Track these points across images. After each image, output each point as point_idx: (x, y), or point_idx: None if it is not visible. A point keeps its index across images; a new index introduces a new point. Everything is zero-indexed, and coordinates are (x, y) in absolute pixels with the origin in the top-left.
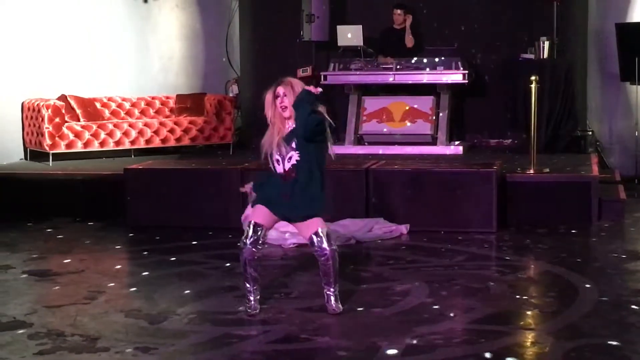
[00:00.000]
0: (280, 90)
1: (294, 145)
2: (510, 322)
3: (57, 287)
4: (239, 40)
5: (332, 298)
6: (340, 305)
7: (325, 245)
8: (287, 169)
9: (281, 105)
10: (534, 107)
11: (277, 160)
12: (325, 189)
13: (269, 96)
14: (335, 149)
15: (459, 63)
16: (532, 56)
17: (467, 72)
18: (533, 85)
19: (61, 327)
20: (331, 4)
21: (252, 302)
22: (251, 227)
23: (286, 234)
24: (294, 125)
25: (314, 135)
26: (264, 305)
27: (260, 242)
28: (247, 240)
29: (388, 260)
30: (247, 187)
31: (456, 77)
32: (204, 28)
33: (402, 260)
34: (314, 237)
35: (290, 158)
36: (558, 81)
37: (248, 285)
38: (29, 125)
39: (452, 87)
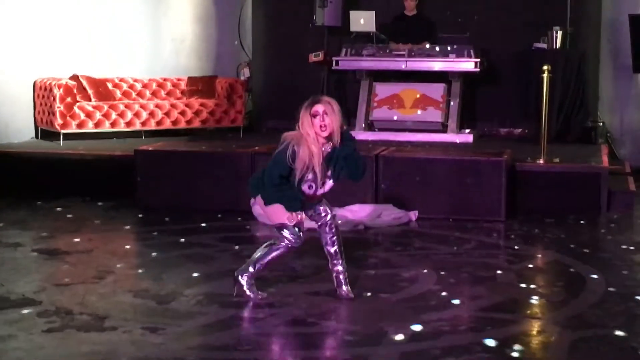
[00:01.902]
0: (320, 108)
1: (329, 173)
2: (517, 310)
3: (66, 266)
4: (252, 24)
5: (343, 280)
6: (347, 289)
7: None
8: (319, 194)
9: (322, 124)
10: (545, 96)
11: (310, 186)
12: None
13: (306, 116)
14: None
15: (471, 51)
16: (544, 46)
17: (479, 60)
18: (545, 75)
19: (70, 306)
20: None
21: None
22: (302, 229)
23: None
24: (330, 148)
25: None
26: (271, 288)
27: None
28: (298, 239)
29: (396, 247)
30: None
31: (468, 65)
32: (217, 10)
33: (410, 247)
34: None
35: (324, 185)
36: (570, 71)
37: (259, 270)
38: (41, 104)
39: (464, 75)
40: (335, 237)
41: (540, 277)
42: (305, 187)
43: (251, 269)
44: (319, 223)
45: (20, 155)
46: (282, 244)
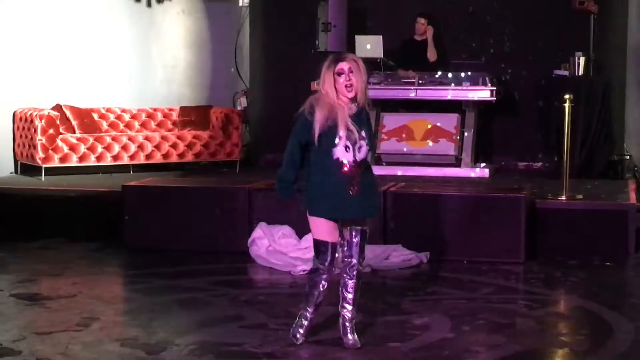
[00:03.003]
0: (345, 66)
1: (364, 133)
2: None
3: (47, 313)
4: (249, 50)
5: (348, 329)
6: (353, 339)
7: (362, 253)
8: (358, 160)
9: (347, 83)
10: (567, 128)
11: (347, 147)
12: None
13: (329, 75)
14: None
15: (487, 78)
16: (566, 73)
17: (495, 88)
18: (567, 105)
19: (51, 356)
20: (349, 12)
21: (304, 332)
22: (330, 247)
23: (296, 260)
24: (356, 108)
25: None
26: (270, 337)
27: (335, 261)
28: (326, 262)
29: (406, 291)
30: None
31: (483, 93)
32: (212, 36)
33: (421, 292)
34: (356, 242)
35: (360, 148)
36: (594, 100)
37: (309, 311)
38: (21, 136)
39: (479, 104)
40: (354, 283)
41: (563, 324)
42: (340, 151)
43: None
44: (343, 261)
45: None
46: (314, 275)
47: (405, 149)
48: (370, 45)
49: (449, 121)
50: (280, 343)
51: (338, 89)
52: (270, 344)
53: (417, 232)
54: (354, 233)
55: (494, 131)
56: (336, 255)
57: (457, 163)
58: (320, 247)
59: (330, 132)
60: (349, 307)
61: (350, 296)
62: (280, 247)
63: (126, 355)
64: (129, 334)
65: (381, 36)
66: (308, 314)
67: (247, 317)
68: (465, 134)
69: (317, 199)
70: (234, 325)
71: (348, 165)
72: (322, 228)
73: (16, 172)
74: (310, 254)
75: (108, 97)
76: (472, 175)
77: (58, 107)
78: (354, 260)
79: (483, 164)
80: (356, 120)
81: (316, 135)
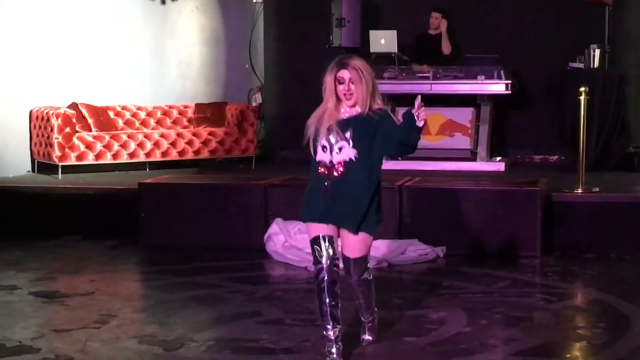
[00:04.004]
0: (346, 75)
1: (348, 135)
2: (556, 354)
3: (65, 310)
4: (264, 46)
5: (366, 327)
6: (369, 337)
7: (362, 275)
8: (335, 163)
9: (346, 92)
10: (582, 120)
11: (324, 147)
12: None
13: (330, 80)
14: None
15: (502, 72)
16: (581, 65)
17: (510, 82)
18: (582, 97)
19: (70, 353)
20: (363, 7)
21: (335, 354)
22: (321, 241)
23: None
24: (356, 112)
25: (398, 152)
26: (288, 332)
27: (337, 257)
28: (323, 257)
29: (423, 286)
30: None
31: (498, 87)
32: (226, 32)
33: (437, 286)
34: (354, 265)
35: (340, 149)
36: (610, 93)
37: (328, 329)
38: (37, 135)
39: (494, 98)
40: (362, 291)
41: (580, 318)
42: (319, 152)
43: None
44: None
45: (15, 190)
46: (317, 279)
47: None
48: (384, 40)
49: (464, 115)
50: (297, 338)
51: (339, 95)
52: (287, 339)
53: (433, 226)
54: (350, 265)
55: (510, 125)
56: (335, 248)
57: (472, 157)
58: (313, 245)
59: (316, 137)
60: (365, 313)
61: (362, 302)
62: (296, 243)
63: (144, 352)
64: (147, 330)
65: (395, 31)
66: (330, 333)
67: (264, 313)
68: (481, 127)
69: (304, 202)
70: (251, 322)
71: (324, 167)
72: (310, 229)
73: (33, 170)
74: None
75: (124, 94)
76: (488, 169)
77: (74, 106)
78: (355, 277)
79: (499, 158)
80: (350, 123)
81: (307, 139)
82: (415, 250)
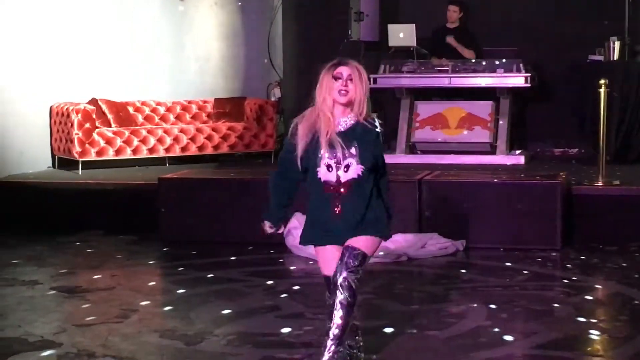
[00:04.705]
0: (345, 71)
1: (353, 150)
2: (576, 348)
3: (87, 305)
4: (282, 40)
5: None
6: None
7: (352, 274)
8: (343, 181)
9: (342, 88)
10: (603, 113)
11: (329, 166)
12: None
13: (327, 78)
14: (386, 158)
15: (521, 65)
16: (601, 58)
17: (529, 75)
18: (602, 90)
19: (92, 348)
20: (382, 1)
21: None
22: (327, 284)
23: None
24: (353, 121)
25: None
26: (308, 326)
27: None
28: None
29: (442, 279)
30: (268, 226)
31: (518, 80)
32: (244, 27)
33: (457, 280)
34: (351, 257)
35: (348, 168)
36: (629, 85)
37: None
38: (57, 131)
39: (513, 91)
40: (343, 295)
41: (601, 311)
42: (322, 172)
43: None
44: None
45: (36, 186)
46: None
47: (439, 138)
48: (403, 34)
49: (483, 108)
50: (317, 332)
51: (332, 94)
52: (308, 333)
53: (453, 220)
54: (346, 253)
55: (529, 118)
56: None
57: (492, 150)
58: (326, 283)
59: (314, 150)
60: (329, 339)
61: (336, 315)
62: None
63: (165, 346)
64: (168, 325)
65: (414, 25)
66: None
67: (284, 307)
68: (500, 121)
69: (307, 225)
70: (271, 316)
71: (330, 186)
72: (321, 258)
73: (53, 166)
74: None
75: (143, 90)
76: (508, 162)
77: (94, 101)
78: (343, 272)
79: (518, 151)
80: (349, 135)
81: (299, 154)
82: (435, 244)
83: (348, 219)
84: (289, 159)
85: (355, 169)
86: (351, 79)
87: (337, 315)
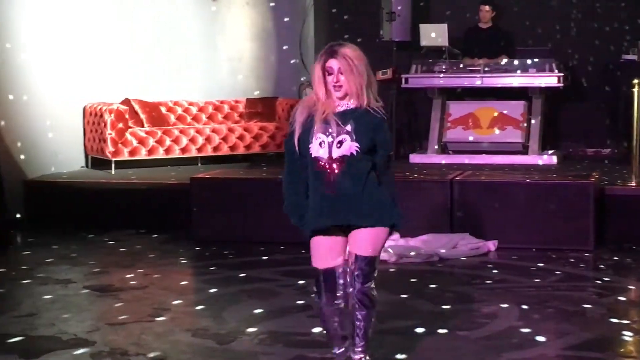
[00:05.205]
0: (335, 65)
1: (349, 127)
2: (609, 349)
3: (120, 304)
4: (314, 40)
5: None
6: None
7: (367, 283)
8: (335, 157)
9: (335, 84)
10: (636, 113)
11: (322, 142)
12: (398, 201)
13: (317, 70)
14: (417, 158)
15: (554, 65)
16: (634, 57)
17: (562, 74)
18: (635, 90)
19: (124, 346)
20: (413, 1)
21: None
22: (320, 276)
23: None
24: (353, 105)
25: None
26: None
27: (340, 289)
28: (322, 297)
29: (474, 280)
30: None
31: (550, 80)
32: (276, 27)
33: (489, 280)
34: (361, 264)
35: (341, 143)
36: None
37: (336, 349)
38: (91, 131)
39: (546, 91)
40: (364, 305)
41: (633, 312)
42: (314, 148)
43: None
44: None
45: (69, 185)
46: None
47: (471, 137)
48: (435, 34)
49: (515, 108)
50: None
51: (327, 87)
52: None
53: (485, 220)
54: (354, 264)
55: (561, 118)
56: (337, 282)
57: (524, 150)
58: (316, 276)
59: (308, 129)
60: (358, 342)
61: (360, 323)
62: None
63: (197, 345)
64: (200, 324)
65: (446, 24)
66: (336, 351)
67: (315, 307)
68: (532, 121)
69: (309, 211)
70: (302, 315)
71: (323, 163)
72: (314, 248)
73: (87, 166)
74: None
75: (175, 90)
76: (540, 162)
77: (127, 102)
78: (357, 284)
79: (550, 151)
80: (347, 114)
81: (296, 136)
82: (466, 244)
83: (342, 197)
84: (291, 144)
85: (349, 146)
86: (342, 72)
87: (361, 331)
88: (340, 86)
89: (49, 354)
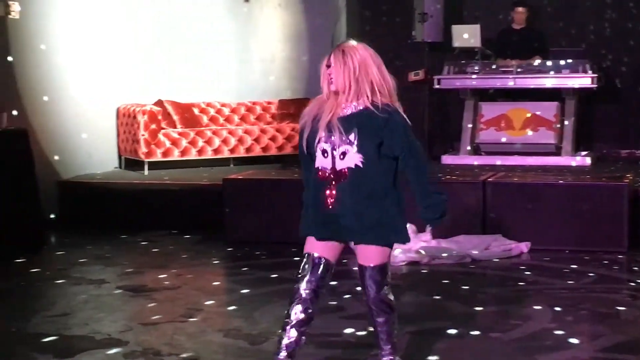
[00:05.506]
0: (331, 58)
1: (352, 137)
2: None
3: (152, 304)
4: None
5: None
6: None
7: (381, 290)
8: (338, 169)
9: (329, 76)
10: None
11: (324, 152)
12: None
13: (323, 66)
14: (450, 159)
15: (587, 66)
16: None
17: (596, 75)
18: None
19: (157, 346)
20: (445, 1)
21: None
22: (308, 264)
23: (394, 250)
24: (359, 108)
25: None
26: (370, 327)
27: (320, 283)
28: (301, 285)
29: (507, 281)
30: None
31: (584, 81)
32: (309, 28)
33: (522, 282)
34: (370, 274)
35: (344, 155)
36: None
37: (284, 334)
38: (124, 132)
39: (579, 92)
40: (382, 311)
41: None
42: (318, 157)
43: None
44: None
45: (103, 186)
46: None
47: (504, 139)
48: (467, 35)
49: (548, 109)
50: None
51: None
52: (371, 334)
53: (517, 221)
54: (364, 276)
55: (595, 119)
56: (320, 275)
57: (557, 152)
58: (302, 260)
59: (314, 134)
60: (384, 346)
61: (382, 329)
62: None
63: (229, 345)
64: (232, 324)
65: (479, 25)
66: (284, 335)
67: (347, 308)
68: (566, 122)
69: (304, 213)
70: (334, 316)
71: (325, 174)
72: (308, 242)
73: (120, 167)
74: (409, 244)
75: (208, 91)
76: (573, 163)
77: (159, 103)
78: (371, 292)
79: (584, 152)
80: (352, 120)
81: (304, 140)
82: (499, 245)
83: (344, 212)
84: (300, 148)
85: (353, 158)
86: (333, 65)
87: (384, 336)
88: (332, 79)
89: (83, 353)
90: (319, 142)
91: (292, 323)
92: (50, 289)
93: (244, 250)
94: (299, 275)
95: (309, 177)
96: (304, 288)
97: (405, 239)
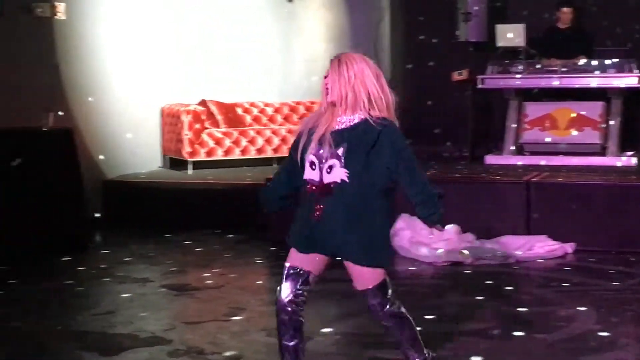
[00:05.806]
0: (329, 70)
1: (340, 152)
2: None
3: (196, 303)
4: (390, 42)
5: None
6: None
7: (386, 307)
8: (325, 183)
9: (324, 85)
10: None
11: (312, 164)
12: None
13: (324, 78)
14: (493, 159)
15: (633, 65)
16: None
17: None
18: None
19: (200, 345)
20: (489, 1)
21: None
22: (285, 277)
23: (438, 250)
24: (355, 121)
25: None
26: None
27: (300, 293)
28: (279, 295)
29: (551, 282)
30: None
31: (630, 80)
32: (352, 29)
33: (566, 282)
34: (370, 296)
35: (331, 169)
36: None
37: (281, 341)
38: (168, 131)
39: (625, 92)
40: (394, 325)
41: None
42: (307, 169)
43: None
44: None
45: (147, 185)
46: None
47: (548, 139)
48: (512, 34)
49: (593, 109)
50: (422, 334)
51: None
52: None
53: (562, 222)
54: (367, 297)
55: None
56: (299, 286)
57: (602, 152)
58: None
59: (306, 146)
60: (409, 353)
61: (401, 339)
62: (422, 238)
63: (272, 344)
64: (275, 324)
65: (523, 24)
66: (283, 341)
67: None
68: (611, 122)
69: (294, 222)
70: None
71: (313, 186)
72: (289, 254)
73: (164, 166)
74: (453, 245)
75: (251, 91)
76: (618, 164)
77: (203, 103)
78: (377, 310)
79: (629, 153)
80: (344, 134)
81: (299, 151)
82: (543, 246)
83: (328, 228)
84: (291, 154)
85: (339, 173)
86: (329, 75)
87: (406, 342)
88: (327, 89)
89: (127, 351)
90: (309, 154)
91: (284, 346)
92: (95, 287)
93: (287, 250)
94: (278, 287)
95: (281, 174)
96: (284, 297)
97: (388, 263)
